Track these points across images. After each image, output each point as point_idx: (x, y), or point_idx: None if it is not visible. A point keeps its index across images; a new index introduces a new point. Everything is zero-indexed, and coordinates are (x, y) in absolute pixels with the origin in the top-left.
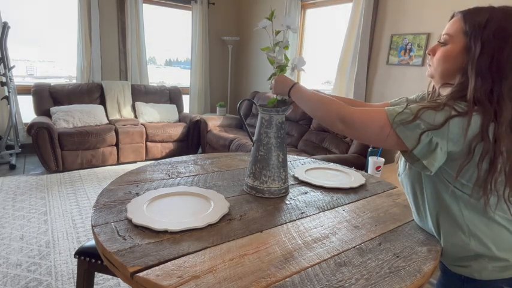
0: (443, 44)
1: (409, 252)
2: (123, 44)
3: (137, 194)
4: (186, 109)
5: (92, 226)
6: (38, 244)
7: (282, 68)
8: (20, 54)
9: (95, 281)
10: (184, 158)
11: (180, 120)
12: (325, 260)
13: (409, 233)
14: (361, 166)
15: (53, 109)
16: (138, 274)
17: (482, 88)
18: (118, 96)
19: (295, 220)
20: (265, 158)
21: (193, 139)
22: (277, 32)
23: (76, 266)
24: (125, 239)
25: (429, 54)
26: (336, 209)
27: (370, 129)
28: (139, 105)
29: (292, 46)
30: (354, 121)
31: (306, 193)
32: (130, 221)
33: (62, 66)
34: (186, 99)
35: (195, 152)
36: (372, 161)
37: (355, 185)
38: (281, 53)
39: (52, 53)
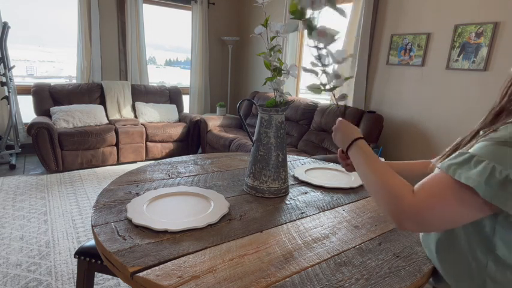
0: None
1: (409, 252)
2: (123, 44)
3: (137, 194)
4: (186, 109)
5: (92, 226)
6: (38, 244)
7: (277, 71)
8: (20, 54)
9: (95, 281)
10: (184, 158)
11: (180, 120)
12: (325, 260)
13: (409, 233)
14: None
15: (53, 109)
16: (138, 274)
17: None
18: (118, 96)
19: (295, 220)
20: (265, 157)
21: (193, 139)
22: (272, 38)
23: (76, 266)
24: (125, 239)
25: None
26: (336, 209)
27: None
28: (139, 105)
29: (293, 46)
30: (426, 212)
31: (306, 193)
32: (130, 221)
33: (62, 66)
34: (186, 99)
35: (195, 152)
36: None
37: (355, 185)
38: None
39: (52, 53)
